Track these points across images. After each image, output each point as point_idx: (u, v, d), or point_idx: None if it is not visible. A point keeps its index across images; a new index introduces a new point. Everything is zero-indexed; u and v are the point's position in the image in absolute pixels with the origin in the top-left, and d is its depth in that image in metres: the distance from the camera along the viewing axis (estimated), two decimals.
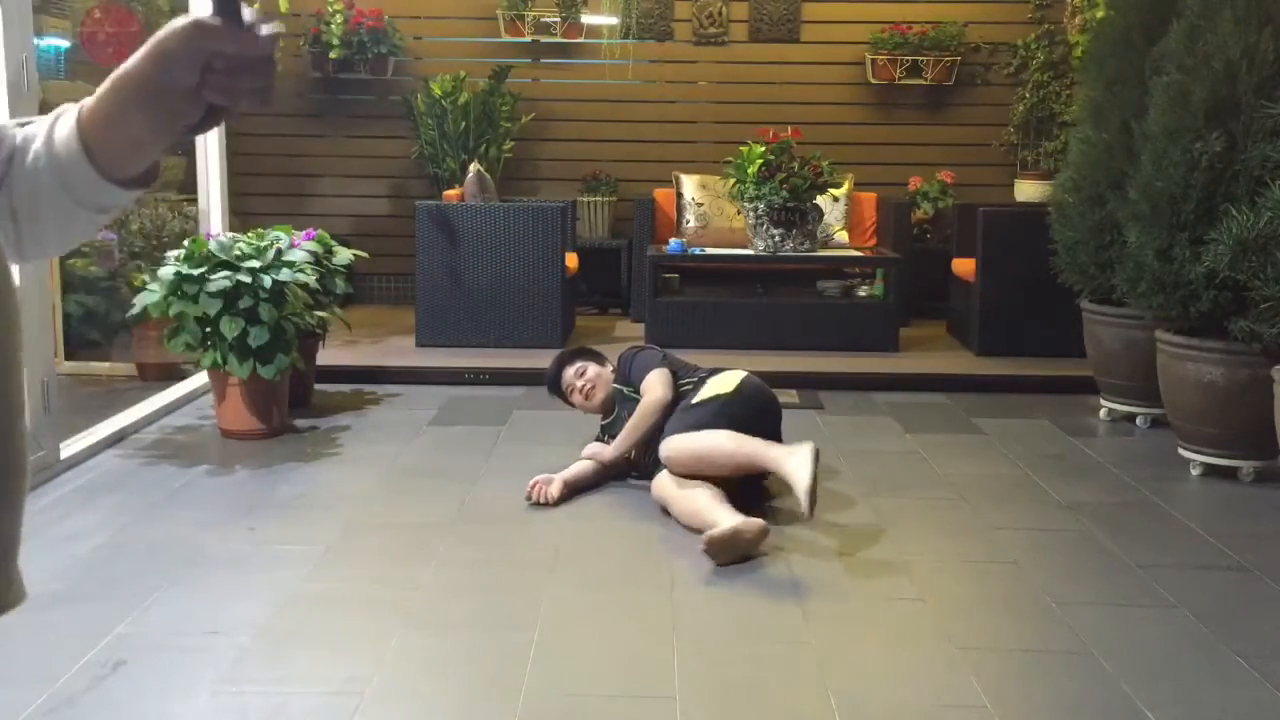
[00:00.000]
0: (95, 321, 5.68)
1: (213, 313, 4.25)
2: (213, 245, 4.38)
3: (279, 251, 4.53)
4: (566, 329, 6.30)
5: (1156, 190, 4.15)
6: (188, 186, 5.96)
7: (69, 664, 2.55)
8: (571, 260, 6.45)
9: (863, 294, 6.65)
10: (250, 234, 4.67)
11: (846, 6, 7.51)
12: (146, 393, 5.03)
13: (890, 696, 2.49)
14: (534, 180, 7.69)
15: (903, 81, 7.43)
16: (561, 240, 6.14)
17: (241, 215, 6.35)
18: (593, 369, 4.18)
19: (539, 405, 5.10)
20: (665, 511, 3.59)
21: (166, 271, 4.32)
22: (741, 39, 7.54)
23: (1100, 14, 5.81)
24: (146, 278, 4.49)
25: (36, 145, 1.02)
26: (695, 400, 3.79)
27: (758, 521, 3.24)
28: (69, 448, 4.12)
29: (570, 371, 4.21)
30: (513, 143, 7.40)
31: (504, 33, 7.44)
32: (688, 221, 7.16)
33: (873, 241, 7.15)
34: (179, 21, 0.95)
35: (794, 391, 5.24)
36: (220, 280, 4.26)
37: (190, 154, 5.70)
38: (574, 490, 3.82)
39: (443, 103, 7.17)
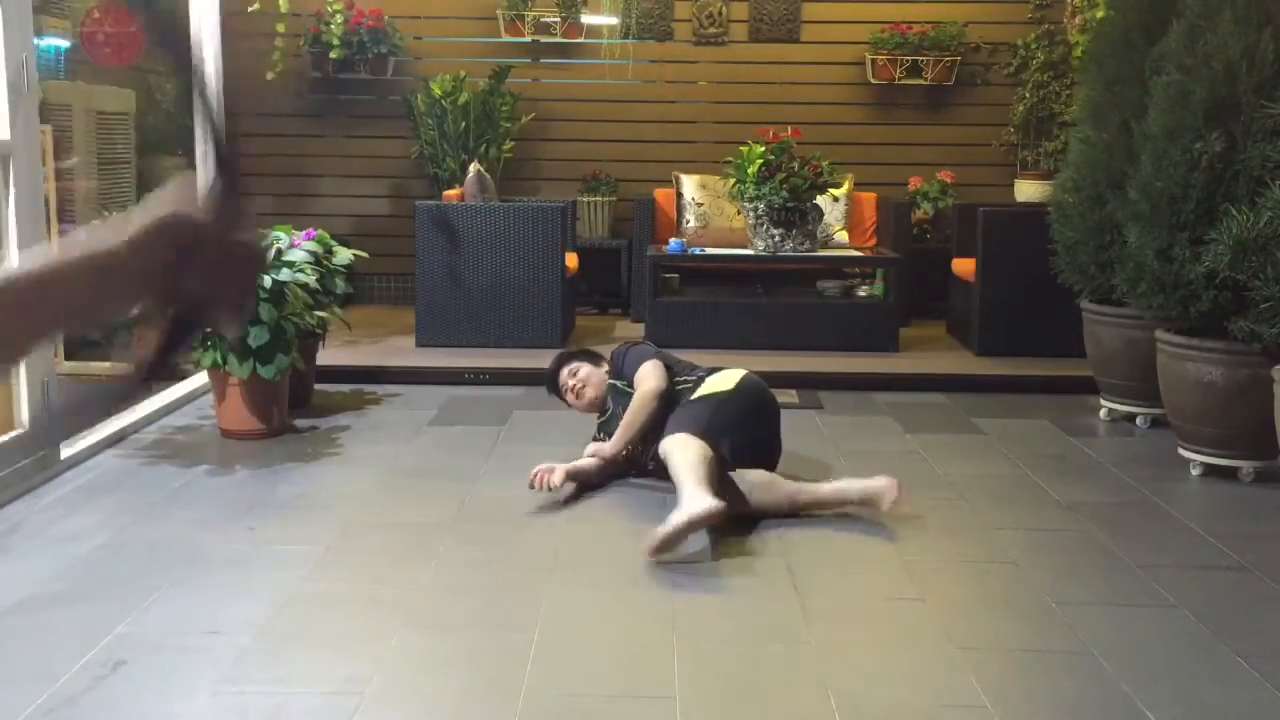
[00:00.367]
0: None
1: None
2: None
3: (279, 251, 4.54)
4: (566, 329, 6.30)
5: (1156, 190, 4.15)
6: None
7: (69, 664, 2.55)
8: (571, 260, 6.45)
9: (863, 294, 6.65)
10: None
11: (846, 6, 7.51)
12: (146, 393, 5.03)
13: (890, 696, 2.49)
14: (534, 180, 7.68)
15: (903, 81, 7.43)
16: (561, 240, 6.13)
17: None
18: (585, 369, 4.18)
19: (539, 405, 5.09)
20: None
21: None
22: (741, 39, 7.54)
23: (1100, 14, 5.81)
24: None
25: None
26: (694, 396, 3.79)
27: (712, 506, 3.20)
28: (69, 448, 4.12)
29: (564, 372, 4.22)
30: (513, 143, 7.40)
31: (504, 33, 7.44)
32: (688, 221, 7.15)
33: (873, 241, 7.15)
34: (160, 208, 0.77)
35: (794, 391, 5.24)
36: None
37: (190, 154, 5.70)
38: (577, 482, 3.82)
39: (443, 103, 7.17)
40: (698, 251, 6.50)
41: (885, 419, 4.93)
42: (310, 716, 2.36)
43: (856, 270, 6.87)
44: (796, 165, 6.09)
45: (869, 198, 7.27)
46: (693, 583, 3.10)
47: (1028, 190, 7.22)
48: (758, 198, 6.12)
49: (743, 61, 7.54)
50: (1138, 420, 4.86)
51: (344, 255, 5.04)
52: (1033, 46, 7.42)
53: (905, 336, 6.29)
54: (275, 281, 4.34)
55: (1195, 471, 4.16)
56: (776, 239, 6.18)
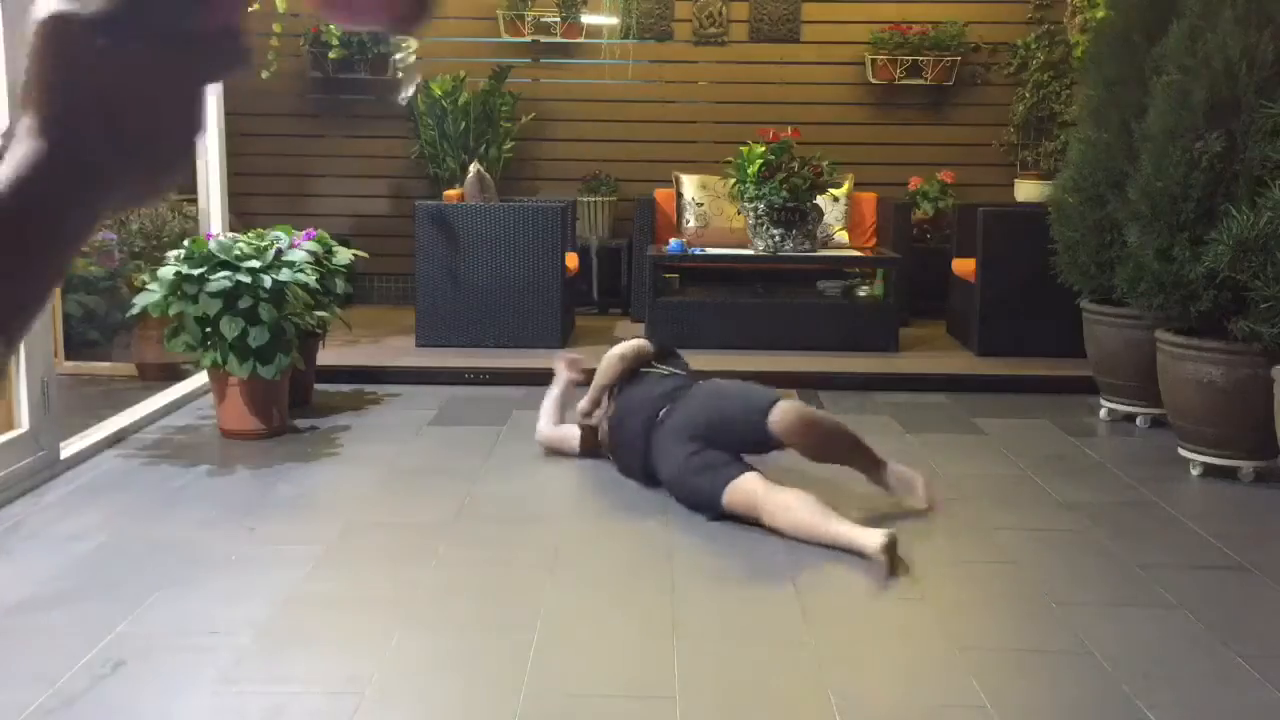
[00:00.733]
0: (95, 321, 5.68)
1: (213, 313, 4.25)
2: (213, 245, 4.38)
3: (279, 251, 4.53)
4: (566, 329, 6.30)
5: (1156, 190, 4.15)
6: (188, 187, 5.96)
7: (69, 664, 2.55)
8: (571, 260, 6.45)
9: (863, 294, 6.64)
10: (250, 234, 4.67)
11: (846, 6, 7.51)
12: (146, 393, 5.03)
13: (890, 696, 2.49)
14: (534, 180, 7.69)
15: (903, 81, 7.43)
16: (561, 240, 6.13)
17: (241, 215, 6.35)
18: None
19: (539, 405, 5.09)
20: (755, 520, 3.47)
21: (166, 271, 4.32)
22: (741, 39, 7.54)
23: (1100, 14, 5.81)
24: (146, 278, 4.49)
25: None
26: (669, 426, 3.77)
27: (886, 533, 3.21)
28: (69, 448, 4.12)
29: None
30: (513, 143, 7.40)
31: (504, 33, 7.44)
32: (688, 221, 7.15)
33: (873, 241, 7.15)
34: None
35: (794, 391, 5.23)
36: (220, 280, 4.26)
37: (190, 154, 5.69)
38: (562, 412, 4.26)
39: (443, 103, 7.17)
40: (698, 251, 6.50)
41: (885, 419, 4.93)
42: (310, 716, 2.36)
43: (856, 270, 6.86)
44: (796, 165, 6.08)
45: (869, 198, 7.27)
46: (693, 583, 3.10)
47: (1028, 190, 7.22)
48: (758, 198, 6.12)
49: (743, 61, 7.54)
50: (1138, 420, 4.86)
51: (344, 255, 5.04)
52: (1033, 46, 7.42)
53: (905, 336, 6.29)
54: (275, 281, 4.34)
55: (1195, 471, 4.16)
56: (776, 239, 6.18)
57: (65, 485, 3.89)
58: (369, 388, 5.39)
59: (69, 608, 2.88)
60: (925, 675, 2.59)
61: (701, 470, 3.56)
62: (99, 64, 0.53)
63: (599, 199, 7.45)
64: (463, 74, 7.25)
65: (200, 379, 5.06)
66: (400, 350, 6.04)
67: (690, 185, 7.21)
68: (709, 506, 3.53)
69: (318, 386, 5.18)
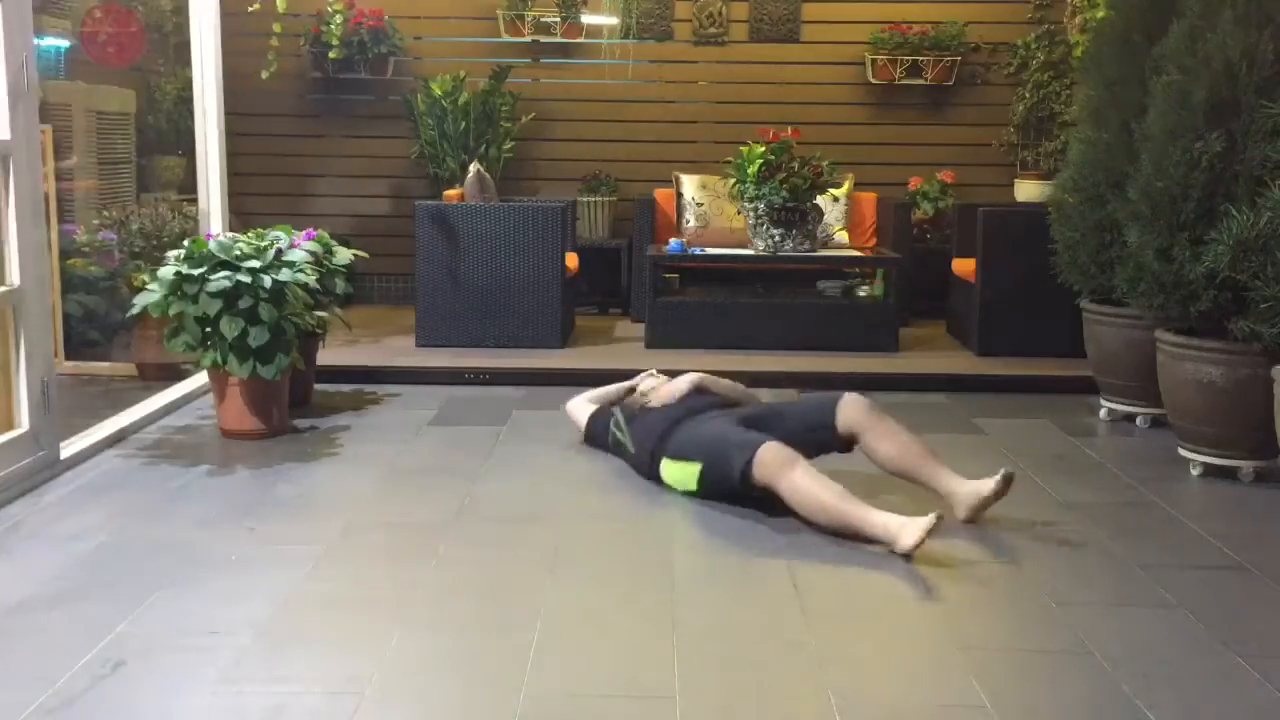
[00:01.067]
0: (95, 321, 5.68)
1: (213, 313, 4.26)
2: (213, 245, 4.39)
3: (279, 251, 4.54)
4: (566, 329, 6.30)
5: (1156, 190, 4.15)
6: (188, 186, 5.96)
7: (69, 664, 2.55)
8: (571, 260, 6.45)
9: (863, 294, 6.64)
10: (250, 234, 4.67)
11: (846, 6, 7.52)
12: (146, 393, 5.03)
13: (890, 696, 2.49)
14: (534, 180, 7.69)
15: (903, 81, 7.43)
16: (561, 240, 6.13)
17: (241, 215, 6.35)
18: (651, 380, 4.42)
19: (539, 405, 5.10)
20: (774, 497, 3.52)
21: (166, 271, 4.32)
22: (741, 39, 7.55)
23: (1100, 14, 5.81)
24: (146, 278, 4.49)
25: None
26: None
27: (930, 518, 3.22)
28: (69, 448, 4.12)
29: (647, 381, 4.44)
30: (513, 143, 7.40)
31: (504, 33, 7.45)
32: (688, 221, 7.15)
33: (873, 241, 7.15)
34: None
35: (794, 391, 5.24)
36: (220, 280, 4.26)
37: (190, 154, 5.70)
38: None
39: (443, 103, 7.17)
40: (698, 251, 6.50)
41: None
42: (310, 716, 2.36)
43: (856, 270, 6.86)
44: (796, 165, 6.08)
45: (869, 198, 7.27)
46: (693, 583, 3.10)
47: (1028, 190, 7.22)
48: (758, 198, 6.12)
49: (743, 61, 7.54)
50: (1138, 420, 4.86)
51: (344, 255, 5.04)
52: (1033, 46, 7.42)
53: (905, 336, 6.29)
54: (275, 281, 4.34)
55: (1195, 471, 4.16)
56: (776, 239, 6.18)
57: (65, 485, 3.89)
58: (369, 388, 5.39)
59: (69, 608, 2.88)
60: (925, 675, 2.59)
61: (743, 442, 3.55)
62: None
63: (599, 199, 7.45)
64: (463, 74, 7.25)
65: (200, 379, 5.06)
66: (400, 350, 6.04)
67: (690, 185, 7.21)
68: (738, 473, 3.49)
69: (318, 386, 5.18)
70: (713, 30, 7.53)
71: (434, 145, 7.27)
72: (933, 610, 2.95)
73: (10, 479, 3.71)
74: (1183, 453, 4.24)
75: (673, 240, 6.64)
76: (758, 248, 6.28)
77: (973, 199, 7.05)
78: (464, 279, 6.07)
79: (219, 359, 4.33)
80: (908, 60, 7.38)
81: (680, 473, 3.76)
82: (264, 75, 6.94)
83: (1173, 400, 4.25)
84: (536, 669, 2.57)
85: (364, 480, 3.99)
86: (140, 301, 4.38)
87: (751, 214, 6.21)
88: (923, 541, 3.22)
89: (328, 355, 5.36)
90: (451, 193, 6.71)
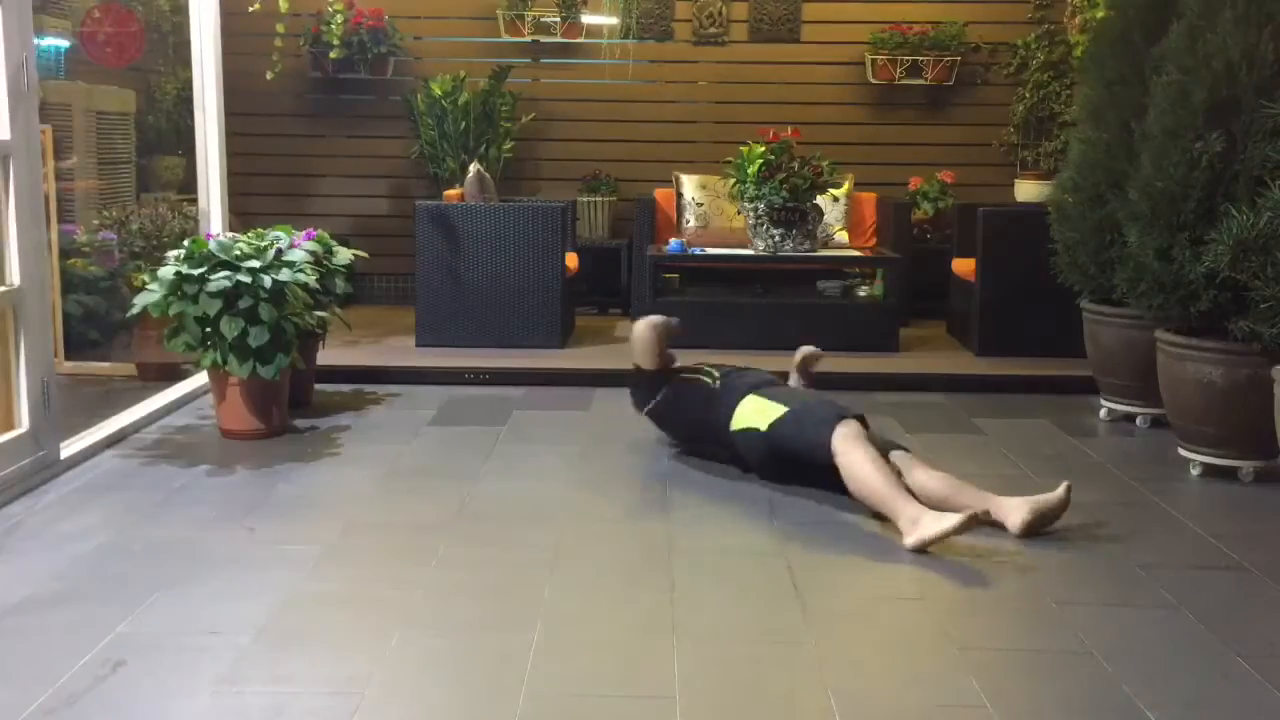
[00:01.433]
0: (95, 321, 5.68)
1: (213, 313, 4.25)
2: (213, 245, 4.38)
3: (279, 251, 4.54)
4: (566, 329, 6.30)
5: (1156, 190, 4.15)
6: (188, 186, 5.96)
7: (69, 664, 2.55)
8: (571, 260, 6.45)
9: (863, 294, 6.64)
10: (250, 234, 4.67)
11: (846, 6, 7.52)
12: (146, 393, 5.03)
13: (890, 696, 2.49)
14: (534, 180, 7.69)
15: (903, 81, 7.43)
16: (561, 240, 6.14)
17: (241, 215, 6.35)
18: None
19: (539, 405, 5.10)
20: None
21: (166, 271, 4.32)
22: (741, 39, 7.55)
23: (1100, 14, 5.81)
24: (146, 278, 4.49)
25: None
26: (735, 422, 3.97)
27: (958, 516, 3.26)
28: (69, 448, 4.12)
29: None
30: (513, 143, 7.40)
31: (504, 33, 7.45)
32: (688, 221, 7.16)
33: (873, 241, 7.15)
34: None
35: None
36: (220, 280, 4.26)
37: (190, 154, 5.70)
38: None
39: (443, 103, 7.17)
40: (698, 251, 6.50)
41: (885, 419, 4.92)
42: (310, 716, 2.36)
43: (856, 270, 6.87)
44: (796, 165, 6.09)
45: (869, 198, 7.27)
46: (693, 583, 3.10)
47: (1028, 190, 7.22)
48: (758, 198, 6.12)
49: (743, 61, 7.54)
50: (1138, 420, 4.86)
51: (344, 255, 5.04)
52: (1033, 46, 7.42)
53: (905, 336, 6.29)
54: (275, 281, 4.34)
55: (1195, 471, 4.16)
56: (776, 239, 6.18)
57: (65, 485, 3.89)
58: (369, 388, 5.39)
59: (69, 608, 2.88)
60: (925, 675, 2.59)
61: (835, 409, 3.75)
62: None
63: (599, 199, 7.45)
64: (463, 74, 7.25)
65: (200, 379, 5.06)
66: (400, 350, 6.05)
67: (690, 185, 7.21)
68: (821, 429, 3.67)
69: (318, 386, 5.18)
70: (713, 30, 7.53)
71: (434, 145, 7.28)
72: (933, 610, 2.95)
73: (10, 479, 3.71)
74: (1183, 453, 4.24)
75: (673, 240, 6.64)
76: (758, 248, 6.28)
77: (973, 199, 7.05)
78: (464, 279, 6.07)
79: (219, 359, 4.33)
80: (908, 60, 7.38)
81: (761, 409, 3.91)
82: (269, 76, 6.94)
83: (1173, 400, 4.25)
84: (536, 669, 2.57)
85: (364, 480, 3.99)
86: (140, 301, 4.38)
87: (751, 214, 6.21)
88: (924, 545, 3.23)
89: (328, 355, 5.36)
90: (451, 193, 6.71)
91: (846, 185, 7.10)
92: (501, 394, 5.31)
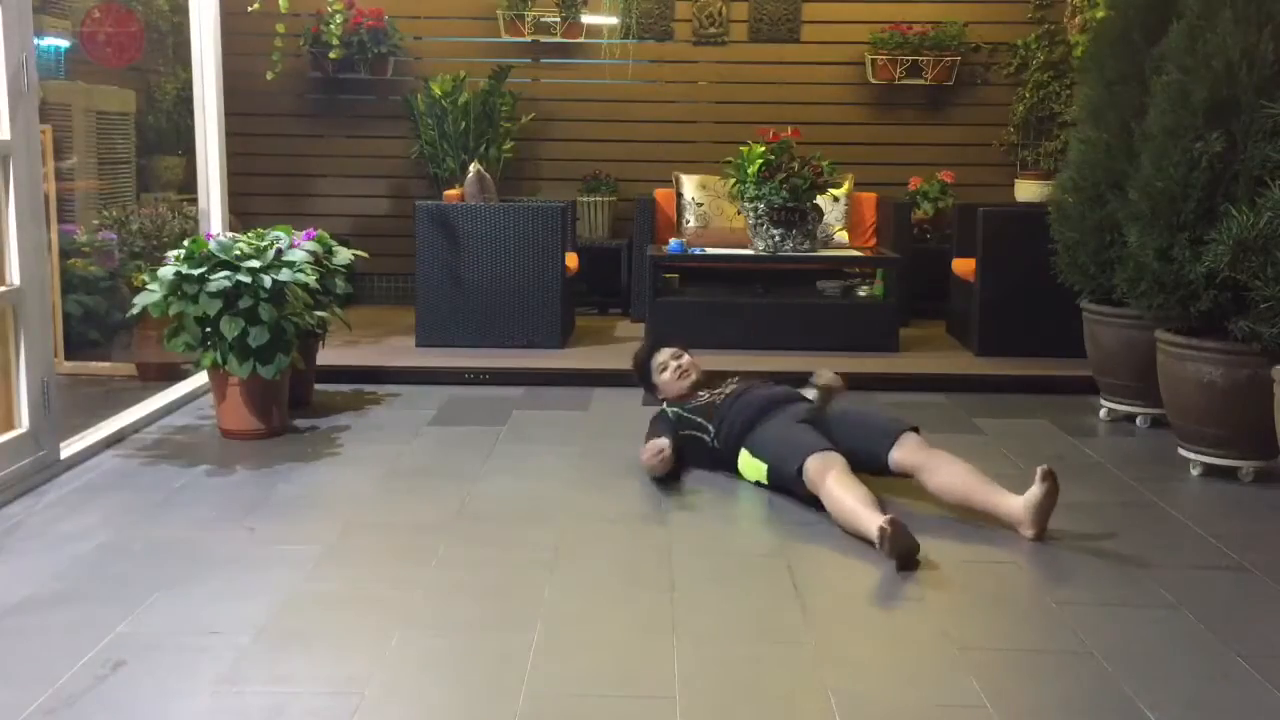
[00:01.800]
0: (95, 321, 5.68)
1: (213, 313, 4.25)
2: (213, 245, 4.38)
3: (279, 251, 4.53)
4: (566, 329, 6.30)
5: (1156, 190, 4.15)
6: (188, 186, 5.96)
7: (69, 664, 2.55)
8: (571, 260, 6.45)
9: (863, 294, 6.64)
10: (250, 234, 4.67)
11: (846, 6, 7.52)
12: (146, 393, 5.03)
13: (890, 696, 2.49)
14: (534, 180, 7.69)
15: (903, 81, 7.43)
16: (561, 240, 6.13)
17: (241, 215, 6.35)
18: (689, 357, 4.39)
19: (539, 405, 5.10)
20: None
21: (166, 271, 4.32)
22: (741, 39, 7.55)
23: (1100, 14, 5.81)
24: (146, 278, 4.49)
25: None
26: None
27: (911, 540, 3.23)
28: (69, 448, 4.12)
29: (667, 353, 4.39)
30: (513, 143, 7.40)
31: (504, 33, 7.45)
32: (688, 221, 7.16)
33: (873, 241, 7.15)
34: None
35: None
36: (220, 280, 4.26)
37: (190, 154, 5.70)
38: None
39: (443, 103, 7.17)
40: (698, 251, 6.50)
41: None
42: (310, 716, 2.36)
43: (856, 270, 6.86)
44: (796, 165, 6.08)
45: (869, 198, 7.27)
46: (693, 583, 3.10)
47: (1028, 190, 7.22)
48: (758, 198, 6.12)
49: (743, 61, 7.54)
50: (1138, 420, 4.86)
51: (344, 255, 5.04)
52: (1033, 46, 7.42)
53: (905, 336, 6.29)
54: (275, 281, 4.34)
55: (1195, 471, 4.16)
56: (776, 239, 6.18)
57: (65, 485, 3.89)
58: (369, 388, 5.39)
59: (69, 608, 2.88)
60: (925, 675, 2.59)
61: (798, 451, 3.70)
62: None
63: (599, 199, 7.45)
64: (463, 74, 7.25)
65: (200, 379, 5.06)
66: (400, 350, 6.04)
67: (690, 185, 7.21)
68: (793, 476, 3.68)
69: (318, 386, 5.18)
70: (713, 30, 7.53)
71: (434, 145, 7.27)
72: (933, 610, 2.95)
73: (10, 479, 3.71)
74: (1183, 453, 4.24)
75: (673, 240, 6.64)
76: (758, 248, 6.28)
77: (973, 199, 7.05)
78: (464, 279, 6.07)
79: (219, 359, 4.33)
80: (908, 60, 7.38)
81: (754, 467, 3.91)
82: (269, 76, 6.94)
83: (1173, 400, 4.25)
84: (536, 669, 2.57)
85: (364, 480, 3.99)
86: (140, 301, 4.38)
87: (751, 214, 6.21)
88: (881, 539, 3.20)
89: (328, 355, 5.36)
90: (451, 193, 6.71)
91: (846, 185, 7.10)
92: (501, 394, 5.31)
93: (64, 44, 6.10)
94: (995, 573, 3.22)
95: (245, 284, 4.29)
